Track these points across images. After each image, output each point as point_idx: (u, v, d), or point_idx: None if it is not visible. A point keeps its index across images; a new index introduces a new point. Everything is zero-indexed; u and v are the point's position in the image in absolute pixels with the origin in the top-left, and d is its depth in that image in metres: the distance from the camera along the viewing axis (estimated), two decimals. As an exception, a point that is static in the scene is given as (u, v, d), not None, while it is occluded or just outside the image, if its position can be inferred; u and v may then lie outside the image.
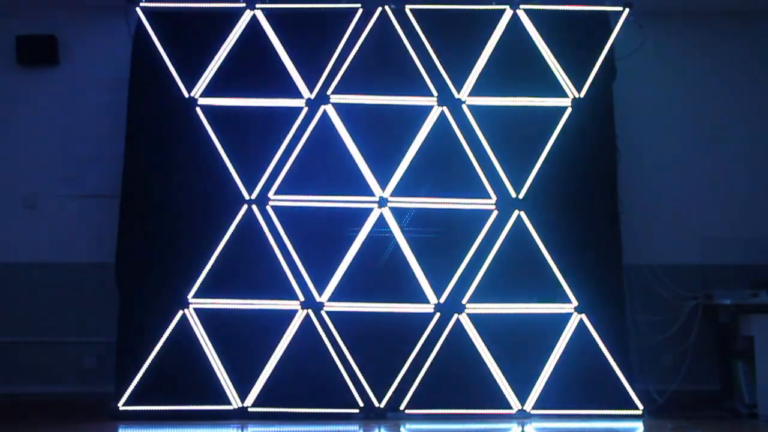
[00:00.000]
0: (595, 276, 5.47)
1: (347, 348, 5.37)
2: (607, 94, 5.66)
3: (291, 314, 5.41)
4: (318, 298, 5.43)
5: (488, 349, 5.38)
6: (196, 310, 5.41)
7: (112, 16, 5.82)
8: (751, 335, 5.35)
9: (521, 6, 5.66)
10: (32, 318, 5.82)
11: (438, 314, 5.41)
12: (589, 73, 5.62)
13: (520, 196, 5.54)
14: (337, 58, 5.59)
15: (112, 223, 5.54)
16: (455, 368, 5.38)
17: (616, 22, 5.67)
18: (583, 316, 5.44)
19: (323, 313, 5.41)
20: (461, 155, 5.56)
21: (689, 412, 5.44)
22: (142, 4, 5.62)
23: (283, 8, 5.68)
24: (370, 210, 5.52)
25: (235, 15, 5.64)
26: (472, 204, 5.54)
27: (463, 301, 5.43)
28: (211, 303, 5.42)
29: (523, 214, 5.53)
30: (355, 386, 5.34)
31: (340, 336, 5.38)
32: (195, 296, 5.42)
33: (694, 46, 6.13)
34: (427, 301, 5.44)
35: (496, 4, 5.69)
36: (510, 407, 5.33)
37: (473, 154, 5.56)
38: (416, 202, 5.54)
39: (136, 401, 5.29)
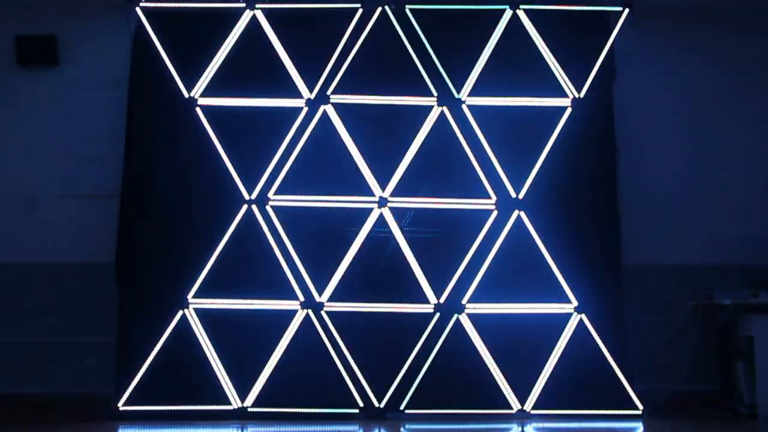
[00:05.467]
0: (595, 276, 5.47)
1: (347, 348, 5.37)
2: (607, 94, 5.66)
3: (291, 314, 5.41)
4: (318, 298, 5.43)
5: (488, 349, 5.38)
6: (196, 310, 5.41)
7: (112, 16, 5.81)
8: (751, 335, 5.35)
9: (521, 6, 5.66)
10: (32, 318, 5.82)
11: (438, 314, 5.41)
12: (589, 73, 5.62)
13: (520, 196, 5.54)
14: (337, 58, 5.59)
15: (112, 223, 5.54)
16: (455, 368, 5.38)
17: (616, 22, 5.67)
18: (583, 316, 5.44)
19: (323, 313, 5.41)
20: (461, 155, 5.56)
21: (689, 412, 5.44)
22: (142, 4, 5.61)
23: (283, 8, 5.68)
24: (370, 210, 5.52)
25: (235, 15, 5.64)
26: (472, 204, 5.54)
27: (463, 301, 5.43)
28: (211, 303, 5.41)
29: (523, 214, 5.53)
30: (355, 386, 5.34)
31: (340, 336, 5.38)
32: (195, 296, 5.42)
33: (694, 45, 6.13)
34: (427, 301, 5.44)
35: (496, 4, 5.69)
36: (510, 407, 5.33)
37: (473, 154, 5.56)
38: (416, 202, 5.53)
39: (136, 401, 5.29)
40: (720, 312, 5.58)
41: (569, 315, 5.45)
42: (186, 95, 5.57)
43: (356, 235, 5.48)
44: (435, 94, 5.59)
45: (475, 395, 5.36)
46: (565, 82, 5.62)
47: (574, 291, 5.46)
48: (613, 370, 5.36)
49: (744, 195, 6.03)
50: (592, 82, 5.62)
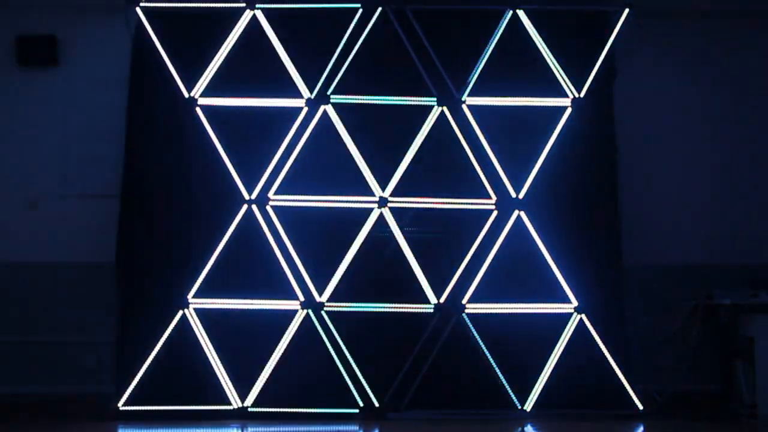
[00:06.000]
0: (595, 276, 5.48)
1: (347, 348, 5.36)
2: (607, 94, 5.66)
3: (291, 314, 5.41)
4: (318, 298, 5.43)
5: (488, 349, 5.38)
6: (196, 310, 5.41)
7: (112, 16, 5.81)
8: (751, 335, 5.35)
9: (521, 6, 5.66)
10: (32, 318, 5.82)
11: (438, 314, 5.41)
12: (589, 73, 5.62)
13: (520, 196, 5.54)
14: (337, 58, 5.58)
15: (112, 223, 5.54)
16: (455, 368, 5.38)
17: (616, 22, 5.67)
18: (583, 316, 5.44)
19: (323, 313, 5.41)
20: (461, 155, 5.56)
21: (689, 412, 5.44)
22: (142, 4, 5.61)
23: (283, 8, 5.68)
24: (370, 210, 5.52)
25: (235, 15, 5.64)
26: (472, 204, 5.54)
27: (463, 301, 5.43)
28: (211, 303, 5.41)
29: (523, 214, 5.53)
30: (355, 386, 5.34)
31: (340, 336, 5.38)
32: (195, 296, 5.42)
33: (694, 45, 6.13)
34: (427, 301, 5.44)
35: (496, 4, 5.69)
36: (510, 407, 5.33)
37: (473, 154, 5.56)
38: (416, 202, 5.53)
39: (136, 401, 5.29)
40: (720, 312, 5.57)
41: (569, 315, 5.45)
42: (186, 95, 5.57)
43: (356, 235, 5.48)
44: (435, 94, 5.59)
45: (476, 395, 5.36)
46: (565, 82, 5.62)
47: (574, 291, 5.46)
48: (613, 370, 5.36)
49: (744, 195, 6.03)
50: (592, 82, 5.62)
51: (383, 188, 5.52)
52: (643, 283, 5.73)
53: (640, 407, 5.34)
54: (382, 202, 5.51)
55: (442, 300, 5.43)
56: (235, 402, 5.32)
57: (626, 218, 5.61)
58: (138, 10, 5.61)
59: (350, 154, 5.54)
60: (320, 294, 5.43)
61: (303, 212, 5.50)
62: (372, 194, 5.52)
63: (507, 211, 5.53)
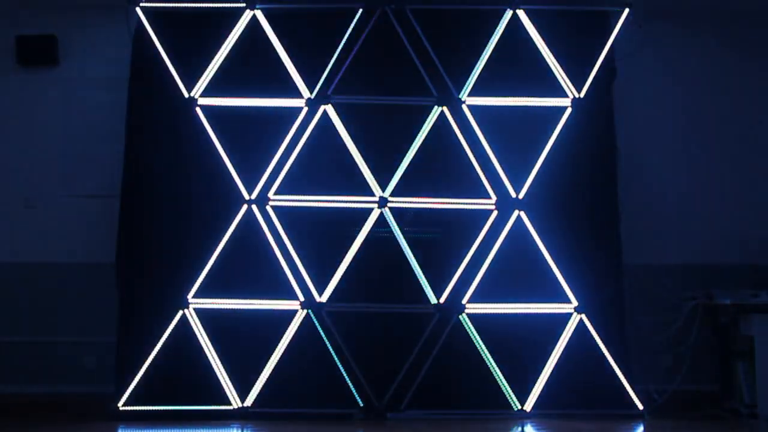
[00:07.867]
0: (595, 276, 5.47)
1: (347, 348, 5.36)
2: (607, 94, 5.66)
3: (291, 314, 5.41)
4: (318, 298, 5.43)
5: (488, 349, 5.38)
6: (196, 310, 5.41)
7: (112, 16, 5.81)
8: (751, 335, 5.35)
9: (521, 6, 5.66)
10: (32, 318, 5.82)
11: (438, 314, 5.41)
12: (589, 73, 5.62)
13: (520, 196, 5.54)
14: (337, 58, 5.58)
15: (112, 223, 5.54)
16: (455, 368, 5.38)
17: (616, 22, 5.67)
18: (583, 316, 5.45)
19: (323, 313, 5.41)
20: (461, 155, 5.56)
21: (689, 412, 5.44)
22: (142, 4, 5.61)
23: (283, 8, 5.68)
24: (370, 210, 5.52)
25: (235, 15, 5.64)
26: (472, 204, 5.54)
27: (463, 301, 5.43)
28: (211, 303, 5.41)
29: (523, 214, 5.53)
30: (355, 386, 5.34)
31: (340, 336, 5.38)
32: (195, 296, 5.42)
33: (694, 46, 6.13)
34: (427, 301, 5.44)
35: (496, 4, 5.69)
36: (510, 407, 5.33)
37: (473, 154, 5.56)
38: (416, 202, 5.53)
39: (136, 401, 5.29)
40: (720, 312, 5.57)
41: (569, 315, 5.45)
42: (186, 95, 5.57)
43: (356, 235, 5.48)
44: (435, 94, 5.59)
45: (475, 395, 5.36)
46: (565, 82, 5.62)
47: (574, 291, 5.46)
48: (613, 370, 5.36)
49: (744, 195, 6.03)
50: (592, 82, 5.62)
51: (383, 188, 5.52)
52: (643, 283, 5.72)
53: (640, 407, 5.34)
54: (382, 202, 5.51)
55: (442, 300, 5.43)
56: (235, 402, 5.32)
57: (626, 218, 5.61)
58: (138, 10, 5.61)
59: (350, 154, 5.54)
60: (320, 294, 5.43)
61: (303, 212, 5.50)
62: (372, 194, 5.52)
63: (507, 211, 5.53)
